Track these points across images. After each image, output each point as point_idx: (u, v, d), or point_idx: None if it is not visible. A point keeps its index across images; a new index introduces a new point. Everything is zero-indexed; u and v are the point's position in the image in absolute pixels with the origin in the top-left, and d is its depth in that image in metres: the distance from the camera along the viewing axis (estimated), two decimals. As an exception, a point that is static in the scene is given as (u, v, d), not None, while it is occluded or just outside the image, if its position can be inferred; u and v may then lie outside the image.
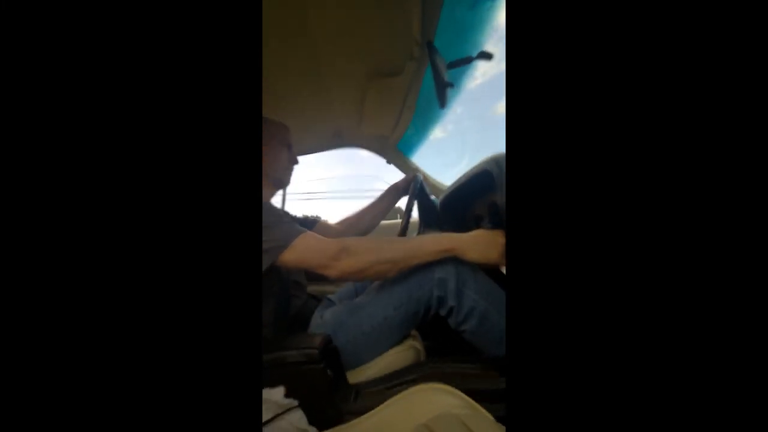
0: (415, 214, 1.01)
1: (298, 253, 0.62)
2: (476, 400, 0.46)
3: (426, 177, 1.45)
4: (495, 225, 0.70)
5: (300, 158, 0.98)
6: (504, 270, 0.70)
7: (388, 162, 1.51)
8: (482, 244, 0.63)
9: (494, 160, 0.66)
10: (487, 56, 0.84)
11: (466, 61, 0.85)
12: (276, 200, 1.01)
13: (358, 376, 0.66)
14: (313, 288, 1.01)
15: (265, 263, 0.61)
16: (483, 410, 0.44)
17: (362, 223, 1.07)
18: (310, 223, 1.03)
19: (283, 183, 0.92)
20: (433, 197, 1.09)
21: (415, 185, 0.95)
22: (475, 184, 0.80)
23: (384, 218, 1.10)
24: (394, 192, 1.07)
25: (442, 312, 0.65)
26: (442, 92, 0.77)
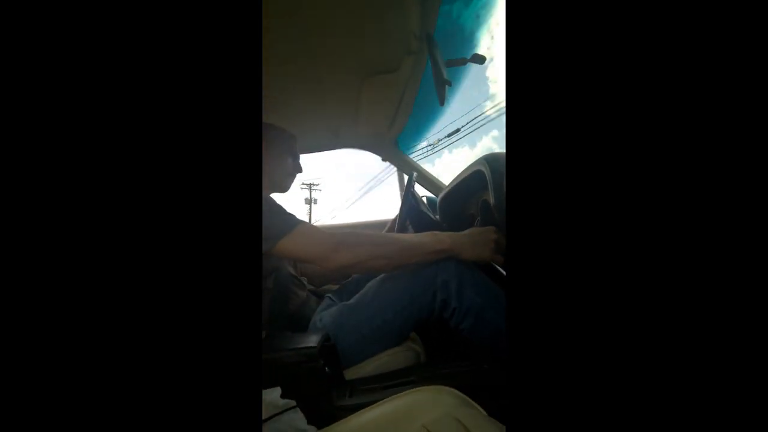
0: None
1: (296, 242, 0.62)
2: (476, 398, 0.45)
3: (425, 174, 1.45)
4: (486, 223, 0.71)
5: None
6: (495, 265, 0.71)
7: (384, 160, 1.51)
8: (476, 242, 0.64)
9: (485, 160, 0.68)
10: (480, 59, 0.84)
11: (461, 62, 0.85)
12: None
13: (354, 372, 0.66)
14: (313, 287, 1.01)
15: (263, 249, 0.61)
16: (483, 411, 0.43)
17: None
18: None
19: (283, 189, 0.95)
20: (432, 196, 1.09)
21: (409, 184, 0.95)
22: (469, 184, 0.81)
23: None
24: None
25: (446, 314, 0.65)
26: (441, 89, 0.77)
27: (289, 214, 0.65)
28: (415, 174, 0.99)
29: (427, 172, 1.46)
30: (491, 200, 0.65)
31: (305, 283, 0.89)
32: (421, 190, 1.40)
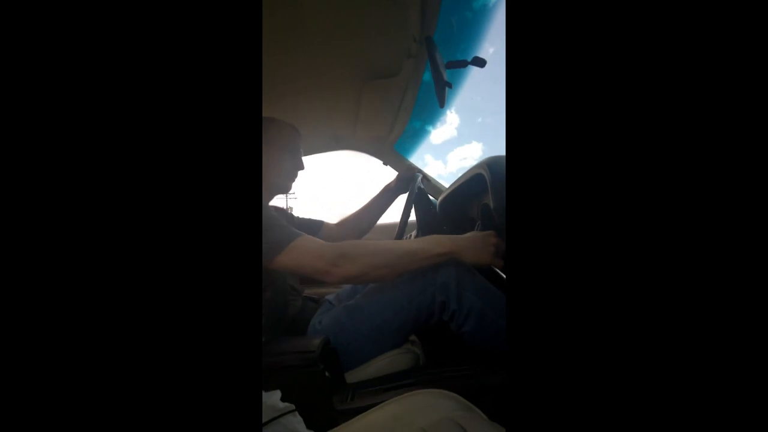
0: (413, 215, 1.00)
1: (293, 256, 0.60)
2: (477, 401, 0.45)
3: (425, 177, 1.45)
4: (487, 227, 0.72)
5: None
6: (496, 269, 0.71)
7: (385, 164, 1.51)
8: (477, 246, 0.64)
9: (486, 164, 0.68)
10: (480, 62, 0.85)
11: (461, 64, 0.86)
12: (278, 203, 1.00)
13: (355, 375, 0.66)
14: (311, 290, 1.00)
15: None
16: (483, 414, 0.43)
17: (361, 224, 1.07)
18: (315, 226, 1.02)
19: (284, 188, 0.89)
20: (432, 198, 1.09)
21: (413, 187, 0.94)
22: (470, 187, 0.82)
23: (380, 217, 1.10)
24: (388, 192, 1.07)
25: (445, 317, 0.65)
26: (441, 91, 0.77)
27: (285, 227, 0.63)
28: (420, 176, 0.98)
29: (428, 174, 1.46)
30: (491, 204, 0.65)
31: (300, 290, 0.88)
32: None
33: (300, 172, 0.92)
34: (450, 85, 0.76)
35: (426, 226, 0.98)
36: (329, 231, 1.03)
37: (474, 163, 0.74)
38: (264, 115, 0.89)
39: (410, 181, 0.97)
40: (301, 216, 1.04)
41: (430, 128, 1.44)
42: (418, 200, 0.98)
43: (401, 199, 1.07)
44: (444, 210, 1.04)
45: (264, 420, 0.42)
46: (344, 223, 1.07)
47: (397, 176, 1.06)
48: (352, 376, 0.66)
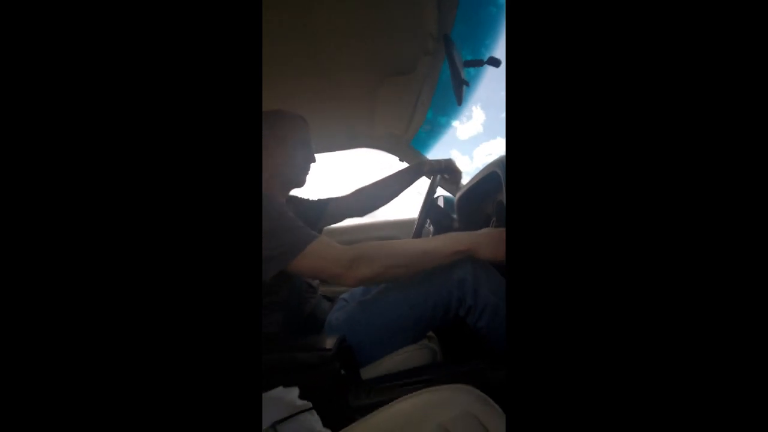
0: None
1: (310, 260, 0.60)
2: (494, 397, 0.45)
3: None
4: (501, 223, 0.72)
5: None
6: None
7: (401, 160, 1.50)
8: (492, 242, 0.63)
9: (501, 162, 0.68)
10: (495, 62, 0.83)
11: (477, 64, 0.84)
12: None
13: (370, 371, 0.67)
14: (325, 288, 1.01)
15: (276, 269, 0.60)
16: (500, 408, 0.43)
17: (380, 195, 1.04)
18: (322, 205, 1.02)
19: (297, 183, 0.87)
20: (450, 195, 1.08)
21: (431, 185, 0.94)
22: (485, 185, 0.81)
23: (401, 192, 1.06)
24: (415, 171, 1.03)
25: (461, 312, 0.65)
26: (459, 89, 0.76)
27: (301, 229, 0.63)
28: (438, 176, 0.97)
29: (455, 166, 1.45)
30: (505, 201, 0.65)
31: (316, 287, 0.88)
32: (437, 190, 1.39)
33: (312, 165, 0.88)
34: (467, 84, 0.75)
35: (440, 228, 0.98)
36: (339, 203, 1.02)
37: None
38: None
39: (436, 171, 0.96)
40: (310, 198, 1.02)
41: (448, 124, 1.43)
42: (432, 209, 0.97)
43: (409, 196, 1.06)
44: (461, 206, 1.03)
45: (283, 416, 0.44)
46: (360, 193, 1.04)
47: (430, 161, 1.02)
48: (368, 372, 0.66)
